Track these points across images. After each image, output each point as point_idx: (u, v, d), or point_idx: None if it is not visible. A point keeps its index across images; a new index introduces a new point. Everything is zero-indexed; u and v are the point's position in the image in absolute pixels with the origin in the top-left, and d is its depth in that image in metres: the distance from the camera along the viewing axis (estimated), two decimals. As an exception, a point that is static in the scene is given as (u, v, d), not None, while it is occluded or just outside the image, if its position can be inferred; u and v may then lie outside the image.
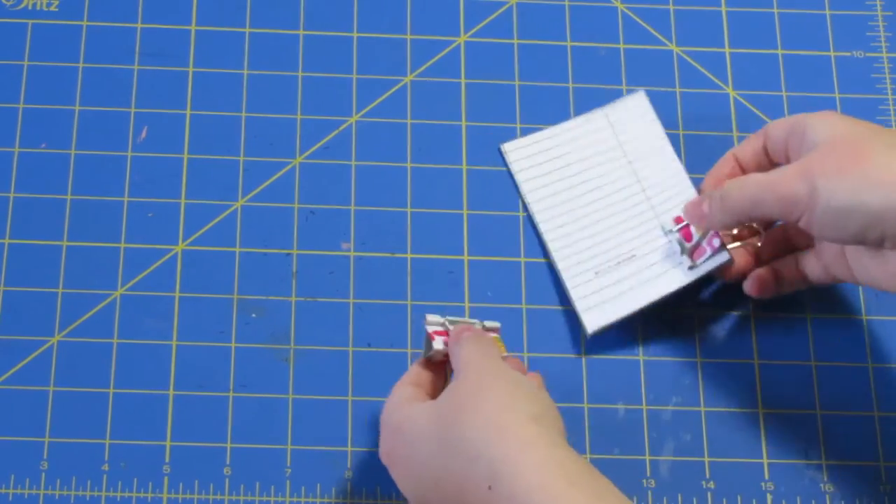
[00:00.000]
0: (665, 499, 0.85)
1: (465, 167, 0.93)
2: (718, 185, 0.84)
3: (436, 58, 0.96)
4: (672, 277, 0.87)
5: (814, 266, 0.85)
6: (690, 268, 0.86)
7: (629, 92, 0.93)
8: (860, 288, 0.91)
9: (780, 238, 0.87)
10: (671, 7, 0.98)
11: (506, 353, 0.81)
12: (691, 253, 0.86)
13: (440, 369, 0.81)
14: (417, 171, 0.93)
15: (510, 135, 0.94)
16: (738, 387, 0.88)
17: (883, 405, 0.88)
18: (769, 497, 0.86)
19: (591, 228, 0.89)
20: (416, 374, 0.80)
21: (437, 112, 0.94)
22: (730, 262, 0.86)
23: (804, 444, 0.87)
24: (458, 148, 0.93)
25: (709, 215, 0.82)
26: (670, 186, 0.89)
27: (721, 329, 0.90)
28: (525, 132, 0.93)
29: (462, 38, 0.96)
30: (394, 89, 0.95)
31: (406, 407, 0.76)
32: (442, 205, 0.92)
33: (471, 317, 0.83)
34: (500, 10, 0.97)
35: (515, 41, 0.97)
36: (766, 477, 0.86)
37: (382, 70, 0.95)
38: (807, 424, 0.88)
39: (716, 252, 0.86)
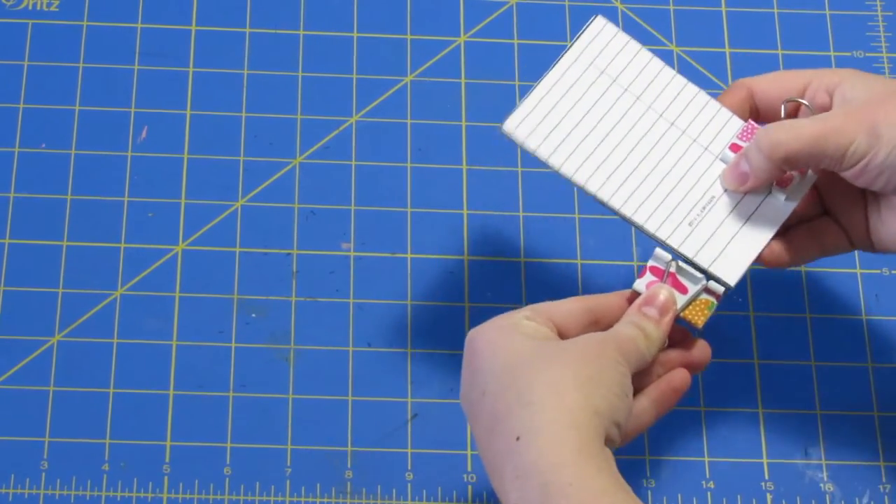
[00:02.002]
0: (665, 499, 0.85)
1: (465, 167, 0.93)
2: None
3: (436, 58, 0.96)
4: (775, 209, 0.79)
5: (832, 232, 0.81)
6: (787, 199, 0.79)
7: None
8: (860, 288, 0.91)
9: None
10: (671, 7, 0.98)
11: (700, 326, 0.76)
12: (777, 181, 0.79)
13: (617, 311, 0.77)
14: (417, 171, 0.93)
15: (510, 135, 0.94)
16: (738, 387, 0.88)
17: (883, 405, 0.88)
18: (769, 497, 0.86)
19: (651, 180, 0.78)
20: (561, 311, 0.75)
21: (437, 112, 0.94)
22: (815, 178, 0.80)
23: (804, 444, 0.87)
24: (458, 148, 0.93)
25: (753, 170, 0.77)
26: (698, 112, 0.80)
27: (721, 329, 0.90)
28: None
29: (462, 38, 0.97)
30: (394, 89, 0.95)
31: (520, 330, 0.73)
32: (442, 204, 0.92)
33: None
34: (500, 10, 0.97)
35: (515, 41, 0.97)
36: (766, 477, 0.86)
37: (382, 70, 0.95)
38: (807, 424, 0.88)
39: (804, 175, 0.79)
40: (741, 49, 0.97)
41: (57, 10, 0.96)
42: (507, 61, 0.96)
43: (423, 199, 0.92)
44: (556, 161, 0.78)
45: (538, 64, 0.95)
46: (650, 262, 0.77)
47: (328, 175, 0.92)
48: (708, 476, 0.86)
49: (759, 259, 0.78)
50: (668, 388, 0.76)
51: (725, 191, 0.79)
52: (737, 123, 0.80)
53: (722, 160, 0.79)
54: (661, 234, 0.78)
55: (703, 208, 0.78)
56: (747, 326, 0.90)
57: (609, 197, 0.78)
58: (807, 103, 0.78)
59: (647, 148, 0.79)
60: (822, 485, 0.86)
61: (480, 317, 0.86)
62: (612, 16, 0.97)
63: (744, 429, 0.87)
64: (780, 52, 0.97)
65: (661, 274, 0.77)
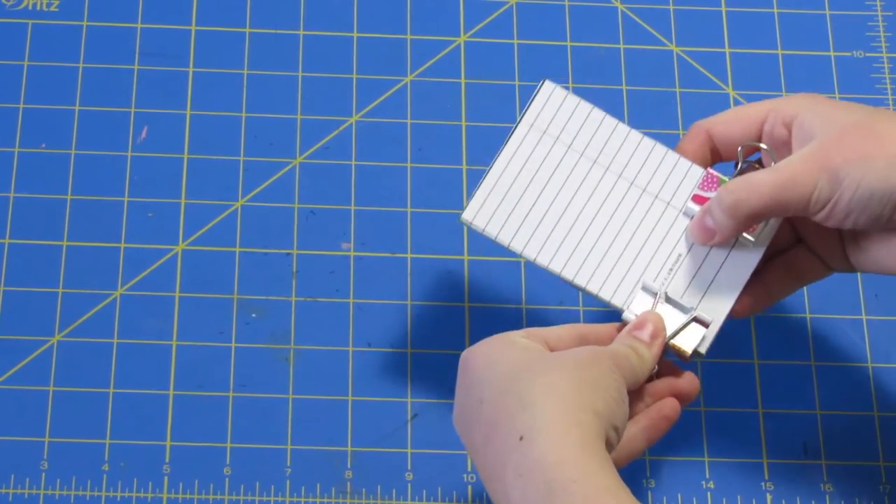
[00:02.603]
0: (665, 499, 0.85)
1: (465, 167, 0.93)
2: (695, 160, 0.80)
3: (436, 58, 0.96)
4: (743, 260, 0.78)
5: (809, 261, 0.80)
6: (754, 244, 0.78)
7: (548, 88, 0.80)
8: (860, 288, 0.91)
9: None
10: (671, 7, 0.98)
11: (689, 356, 0.76)
12: None
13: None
14: (417, 171, 0.93)
15: (510, 135, 0.94)
16: (738, 387, 0.88)
17: (883, 405, 0.88)
18: (769, 497, 0.86)
19: (614, 250, 0.78)
20: (554, 335, 0.75)
21: (437, 112, 0.94)
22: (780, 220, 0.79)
23: (804, 443, 0.87)
24: (458, 148, 0.93)
25: (719, 228, 0.77)
26: (657, 166, 0.79)
27: (721, 329, 0.90)
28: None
29: (462, 38, 0.97)
30: (394, 89, 0.95)
31: (515, 344, 0.73)
32: (442, 205, 0.92)
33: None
34: (500, 10, 0.97)
35: (515, 41, 0.97)
36: (766, 477, 0.86)
37: (382, 70, 0.95)
38: (807, 424, 0.88)
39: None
40: (741, 49, 0.97)
41: (57, 10, 0.96)
42: (507, 61, 0.96)
43: (423, 199, 0.92)
44: (517, 245, 0.78)
45: (538, 64, 0.96)
46: (640, 293, 0.77)
47: (328, 175, 0.92)
48: (708, 476, 0.86)
49: (731, 314, 0.78)
50: (659, 415, 0.76)
51: (692, 246, 0.78)
52: (697, 172, 0.78)
53: (685, 214, 0.78)
54: (618, 305, 0.77)
55: (670, 270, 0.78)
56: (747, 326, 0.90)
57: (573, 275, 0.78)
58: (764, 146, 0.77)
59: (608, 214, 0.78)
60: (821, 485, 0.86)
61: (480, 317, 0.87)
62: (612, 16, 0.97)
63: (744, 429, 0.87)
64: (780, 52, 0.97)
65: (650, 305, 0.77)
